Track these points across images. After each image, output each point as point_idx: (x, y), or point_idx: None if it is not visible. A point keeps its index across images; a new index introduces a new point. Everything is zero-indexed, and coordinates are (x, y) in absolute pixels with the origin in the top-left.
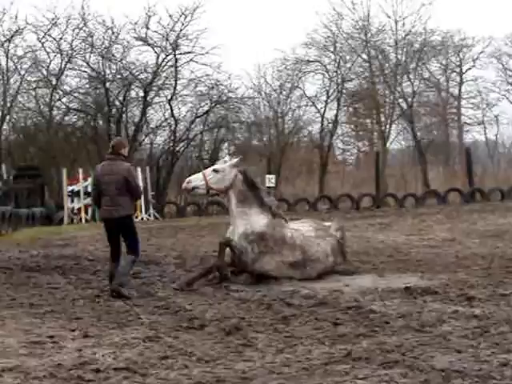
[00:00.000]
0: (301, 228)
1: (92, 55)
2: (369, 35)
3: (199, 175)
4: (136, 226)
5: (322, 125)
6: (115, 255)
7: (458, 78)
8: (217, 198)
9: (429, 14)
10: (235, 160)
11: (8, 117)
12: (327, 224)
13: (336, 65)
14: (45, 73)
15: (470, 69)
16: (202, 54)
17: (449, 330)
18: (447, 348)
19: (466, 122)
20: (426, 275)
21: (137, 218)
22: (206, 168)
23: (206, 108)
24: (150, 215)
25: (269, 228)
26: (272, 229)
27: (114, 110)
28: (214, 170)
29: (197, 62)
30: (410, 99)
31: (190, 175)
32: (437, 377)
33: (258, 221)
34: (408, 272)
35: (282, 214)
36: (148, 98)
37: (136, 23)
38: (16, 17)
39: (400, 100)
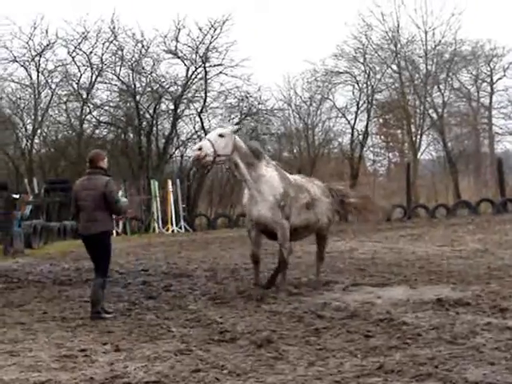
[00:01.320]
0: (293, 176)
1: (122, 68)
2: (398, 46)
3: (206, 142)
4: (111, 246)
5: (353, 136)
6: (101, 271)
7: (488, 88)
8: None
9: (459, 24)
10: (234, 126)
11: (39, 130)
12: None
13: (366, 76)
14: (75, 86)
15: (500, 78)
16: (232, 67)
17: (482, 342)
18: (480, 360)
19: (497, 132)
20: (458, 286)
21: (167, 230)
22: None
23: (236, 120)
24: (180, 227)
25: (284, 182)
26: (285, 179)
27: (144, 123)
28: (220, 135)
29: (226, 74)
30: (440, 110)
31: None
32: None
33: (274, 182)
34: (440, 283)
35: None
36: (178, 111)
37: (166, 36)
38: (47, 31)
39: (430, 110)
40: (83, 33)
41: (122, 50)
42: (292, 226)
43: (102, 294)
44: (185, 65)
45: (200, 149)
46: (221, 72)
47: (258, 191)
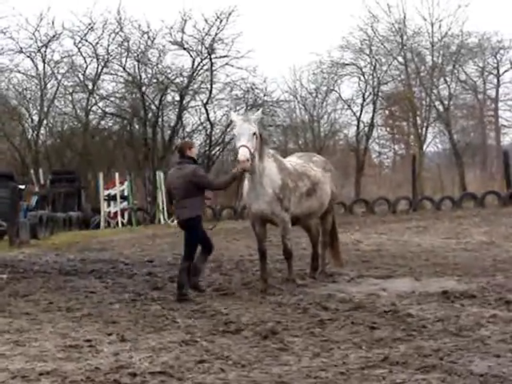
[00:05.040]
0: (292, 160)
1: (128, 60)
2: (405, 38)
3: (246, 151)
4: (201, 231)
5: (358, 128)
6: (186, 255)
7: (495, 80)
8: None
9: (465, 16)
10: (258, 114)
11: (45, 121)
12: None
13: (372, 68)
14: (81, 77)
15: (507, 71)
16: (238, 58)
17: (487, 335)
18: (486, 352)
19: (503, 125)
20: (463, 279)
21: (173, 221)
22: None
23: (241, 112)
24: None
25: (282, 173)
26: (284, 170)
27: (150, 114)
28: (254, 134)
29: (232, 65)
30: (446, 102)
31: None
32: (475, 382)
33: (273, 175)
34: (445, 276)
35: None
36: (184, 102)
37: (172, 28)
38: (53, 22)
39: (436, 103)
40: (89, 24)
41: (127, 42)
42: (293, 216)
43: (203, 266)
44: (191, 56)
45: (248, 160)
46: (227, 63)
47: (260, 184)
